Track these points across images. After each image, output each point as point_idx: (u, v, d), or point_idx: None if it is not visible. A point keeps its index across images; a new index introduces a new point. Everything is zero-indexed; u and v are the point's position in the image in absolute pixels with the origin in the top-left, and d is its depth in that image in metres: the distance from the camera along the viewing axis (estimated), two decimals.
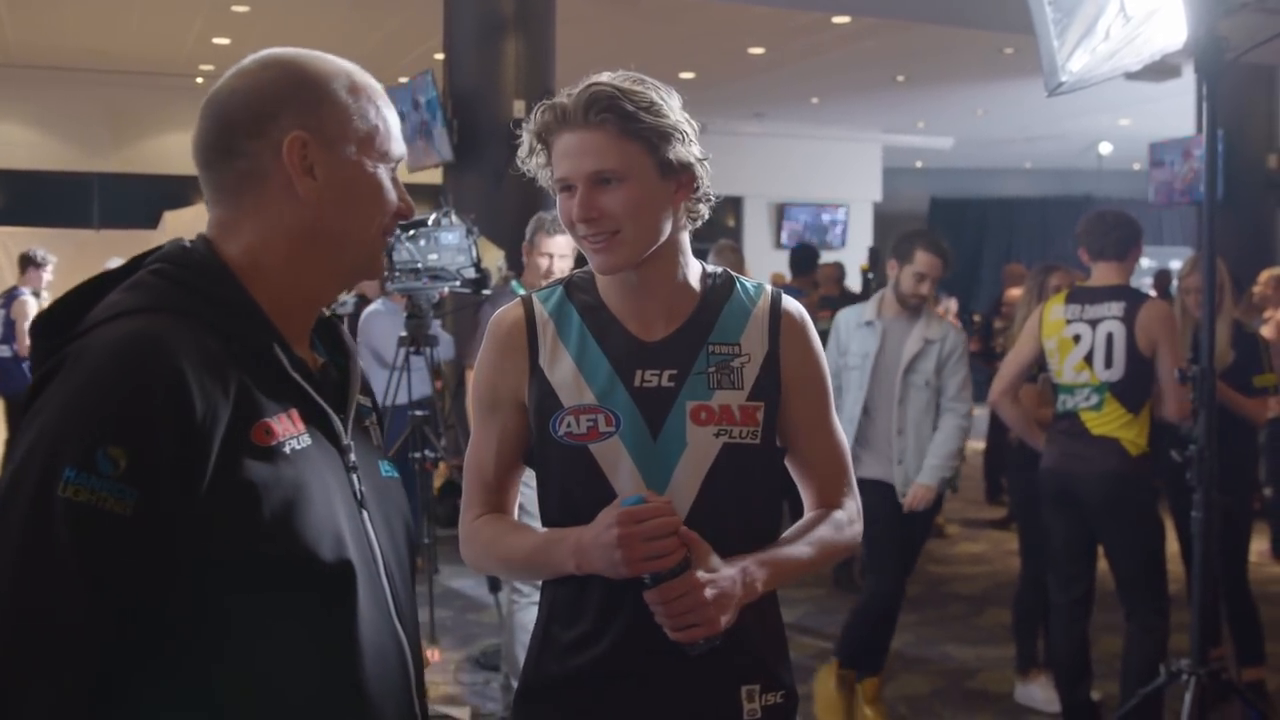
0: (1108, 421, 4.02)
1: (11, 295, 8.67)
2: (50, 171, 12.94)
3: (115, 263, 1.45)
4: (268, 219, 1.30)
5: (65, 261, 9.19)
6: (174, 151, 12.41)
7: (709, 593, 1.63)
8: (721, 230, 15.33)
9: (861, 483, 4.28)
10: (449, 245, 4.52)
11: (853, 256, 15.24)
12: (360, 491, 1.34)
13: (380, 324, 6.69)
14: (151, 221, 10.61)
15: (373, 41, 10.77)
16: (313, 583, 1.22)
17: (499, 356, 1.82)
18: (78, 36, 11.04)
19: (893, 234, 5.48)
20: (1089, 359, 4.05)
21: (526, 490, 1.89)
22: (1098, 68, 3.26)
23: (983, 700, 4.81)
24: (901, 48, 11.21)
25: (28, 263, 8.73)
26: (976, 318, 11.08)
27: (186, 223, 8.91)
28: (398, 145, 1.37)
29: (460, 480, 1.90)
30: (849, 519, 1.87)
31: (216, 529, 1.17)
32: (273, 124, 1.28)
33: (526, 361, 1.79)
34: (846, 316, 4.60)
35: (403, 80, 7.76)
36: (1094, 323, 4.05)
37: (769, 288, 1.86)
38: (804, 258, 8.61)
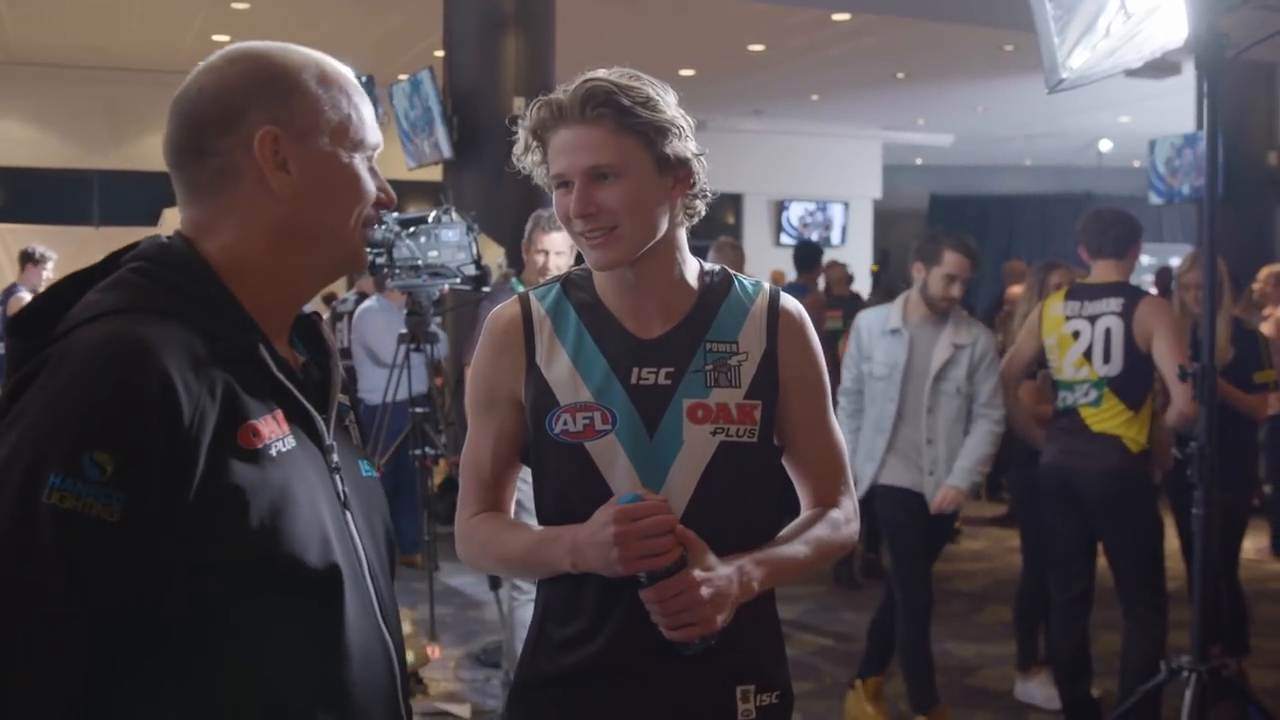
0: (1108, 418, 4.01)
1: (10, 292, 8.66)
2: (50, 169, 12.92)
3: None
4: (244, 217, 1.27)
5: (65, 259, 9.14)
6: None
7: (705, 592, 1.62)
8: (721, 227, 15.33)
9: (890, 491, 4.30)
10: (449, 242, 4.51)
11: (852, 254, 15.21)
12: (344, 492, 1.32)
13: (374, 321, 6.69)
14: (151, 219, 10.59)
15: (373, 38, 10.76)
16: (300, 587, 1.20)
17: (495, 354, 1.81)
18: (78, 34, 11.02)
19: (892, 231, 5.46)
20: (1088, 354, 4.05)
21: (524, 486, 1.88)
22: (1098, 65, 3.25)
23: (983, 697, 4.80)
24: (901, 44, 11.19)
25: (27, 260, 8.71)
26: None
27: None
28: (373, 133, 1.34)
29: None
30: (846, 518, 1.86)
31: (203, 534, 1.15)
32: (243, 119, 1.26)
33: (523, 359, 1.78)
34: (869, 321, 4.36)
35: (402, 78, 7.75)
36: (1093, 319, 4.05)
37: (767, 286, 1.84)
38: (807, 254, 8.58)
